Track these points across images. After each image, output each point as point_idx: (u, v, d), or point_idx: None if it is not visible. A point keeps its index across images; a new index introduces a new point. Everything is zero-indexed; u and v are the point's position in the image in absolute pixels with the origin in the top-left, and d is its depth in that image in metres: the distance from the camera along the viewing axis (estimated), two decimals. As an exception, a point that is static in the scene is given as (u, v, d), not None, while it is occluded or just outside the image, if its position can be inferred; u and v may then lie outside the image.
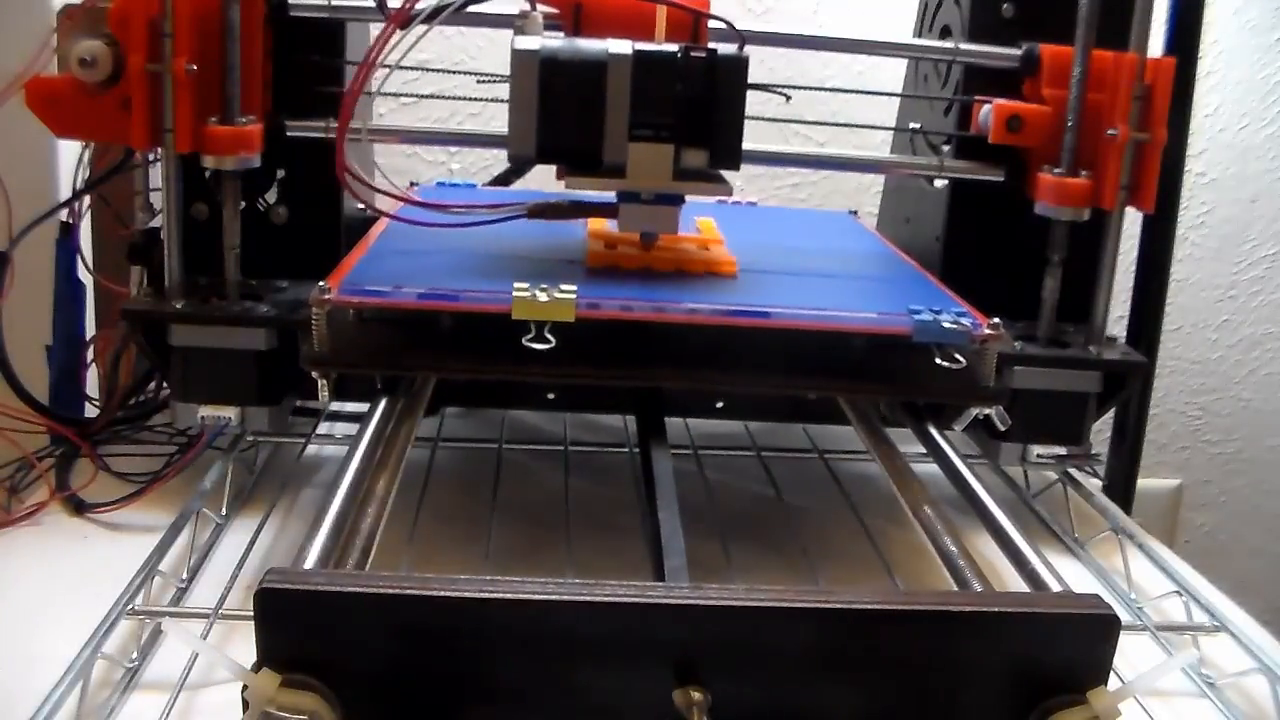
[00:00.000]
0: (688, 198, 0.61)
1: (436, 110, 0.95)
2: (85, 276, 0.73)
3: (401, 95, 0.78)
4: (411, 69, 0.83)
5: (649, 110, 0.56)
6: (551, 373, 0.57)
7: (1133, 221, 0.71)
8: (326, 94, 0.65)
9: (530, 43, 0.56)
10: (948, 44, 0.69)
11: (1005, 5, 0.67)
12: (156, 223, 0.63)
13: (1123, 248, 0.64)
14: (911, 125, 0.77)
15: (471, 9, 0.58)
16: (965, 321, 0.56)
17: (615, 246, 0.64)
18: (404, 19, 0.55)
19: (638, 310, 0.55)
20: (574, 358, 0.55)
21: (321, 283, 0.54)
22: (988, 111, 0.65)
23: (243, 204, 0.62)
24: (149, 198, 0.67)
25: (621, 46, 0.56)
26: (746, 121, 0.71)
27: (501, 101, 0.64)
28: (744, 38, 0.58)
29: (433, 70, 0.74)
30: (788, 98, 0.64)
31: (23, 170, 0.69)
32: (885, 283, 0.66)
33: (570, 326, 0.53)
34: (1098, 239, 0.63)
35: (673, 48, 0.56)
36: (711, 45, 0.57)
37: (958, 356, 0.56)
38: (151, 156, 0.66)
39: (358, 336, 0.57)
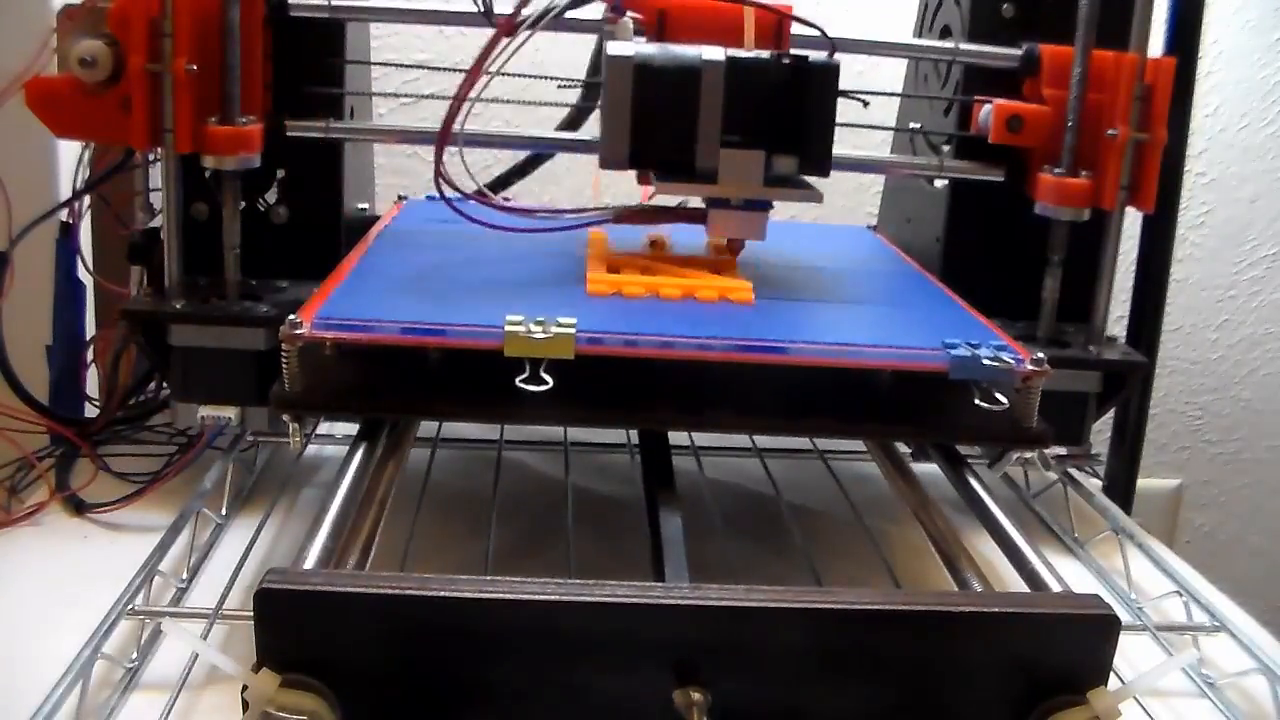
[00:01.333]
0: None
1: (437, 110, 0.95)
2: (85, 276, 0.73)
3: (401, 95, 0.78)
4: (411, 68, 0.83)
5: (741, 116, 0.55)
6: (549, 416, 0.54)
7: (1133, 221, 0.71)
8: (326, 94, 0.65)
9: (624, 49, 0.55)
10: (948, 44, 0.69)
11: (1005, 5, 0.67)
12: (156, 223, 0.63)
13: (1123, 248, 0.64)
14: (911, 125, 0.77)
15: (566, 15, 0.59)
16: (1007, 357, 0.51)
17: (618, 270, 0.60)
18: (510, 27, 0.55)
19: (644, 346, 0.50)
20: (574, 399, 0.50)
21: (292, 315, 0.49)
22: (988, 111, 0.65)
23: (243, 204, 0.62)
24: (149, 198, 0.67)
25: (714, 53, 0.55)
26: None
27: (501, 102, 0.64)
28: (834, 44, 0.58)
29: (432, 70, 0.74)
30: (866, 104, 0.64)
31: (23, 170, 0.69)
32: (914, 310, 0.61)
33: (570, 363, 0.49)
34: (1098, 239, 0.63)
35: (765, 54, 0.56)
36: (800, 51, 0.57)
37: (998, 397, 0.52)
38: (151, 156, 0.66)
39: (334, 374, 0.52)
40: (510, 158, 0.85)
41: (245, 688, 0.36)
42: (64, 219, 0.70)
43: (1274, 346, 1.22)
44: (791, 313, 0.57)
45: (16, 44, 0.64)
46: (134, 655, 0.49)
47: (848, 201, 1.07)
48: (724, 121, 0.55)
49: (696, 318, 0.54)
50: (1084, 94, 0.61)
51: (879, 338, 0.53)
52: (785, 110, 0.56)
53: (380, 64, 0.77)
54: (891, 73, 0.91)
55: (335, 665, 0.37)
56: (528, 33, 0.56)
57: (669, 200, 0.61)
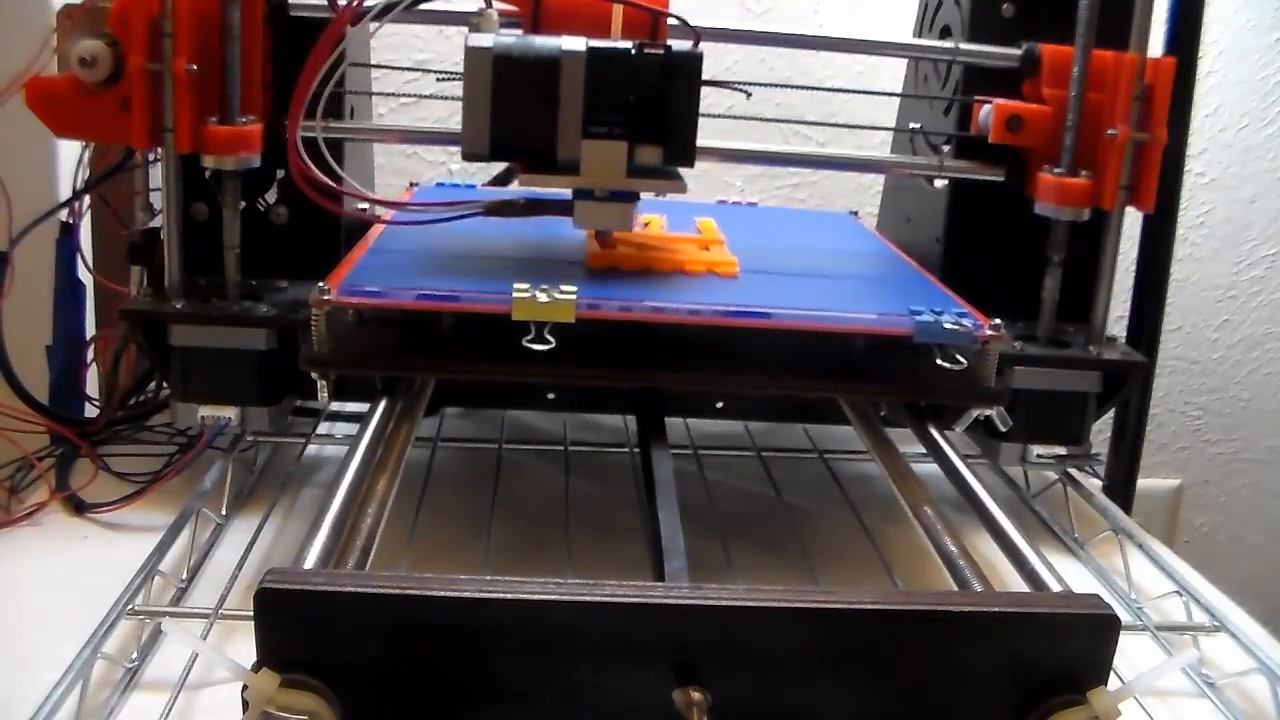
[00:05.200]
0: (688, 199, 0.60)
1: (437, 110, 0.95)
2: (85, 276, 0.73)
3: (401, 95, 0.78)
4: (411, 69, 0.83)
5: (603, 107, 0.56)
6: (551, 374, 0.57)
7: (1133, 221, 0.71)
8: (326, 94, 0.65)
9: (483, 40, 0.56)
10: (948, 44, 0.69)
11: (1005, 5, 0.67)
12: (156, 223, 0.63)
13: (1123, 248, 0.64)
14: (911, 125, 0.77)
15: (425, 7, 0.58)
16: (966, 322, 0.56)
17: (615, 247, 0.64)
18: (354, 15, 0.55)
19: (637, 311, 0.55)
20: (574, 358, 0.54)
21: (321, 283, 0.54)
22: (988, 111, 0.65)
23: (243, 204, 0.62)
24: (149, 198, 0.67)
25: (575, 43, 0.55)
26: (747, 122, 0.71)
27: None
28: (699, 35, 0.58)
29: (432, 71, 0.74)
30: (748, 94, 0.64)
31: (23, 170, 0.69)
32: (886, 283, 0.66)
33: (570, 327, 0.53)
34: (1098, 239, 0.63)
35: (626, 45, 0.56)
36: (668, 42, 0.57)
37: (959, 357, 0.56)
38: (151, 156, 0.66)
39: (357, 337, 0.57)
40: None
41: (245, 688, 0.36)
42: (64, 219, 0.70)
43: (1274, 346, 1.22)
44: (773, 284, 0.62)
45: (16, 44, 0.64)
46: (134, 655, 0.49)
47: (848, 202, 1.07)
48: (586, 112, 0.56)
49: (686, 287, 0.59)
50: (1084, 94, 0.61)
51: (852, 305, 0.58)
52: (648, 101, 0.56)
53: (380, 65, 0.77)
54: (891, 73, 0.91)
55: (335, 665, 0.37)
56: (375, 24, 0.56)
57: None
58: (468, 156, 0.57)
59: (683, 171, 0.59)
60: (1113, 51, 0.61)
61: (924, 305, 0.57)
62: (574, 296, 0.53)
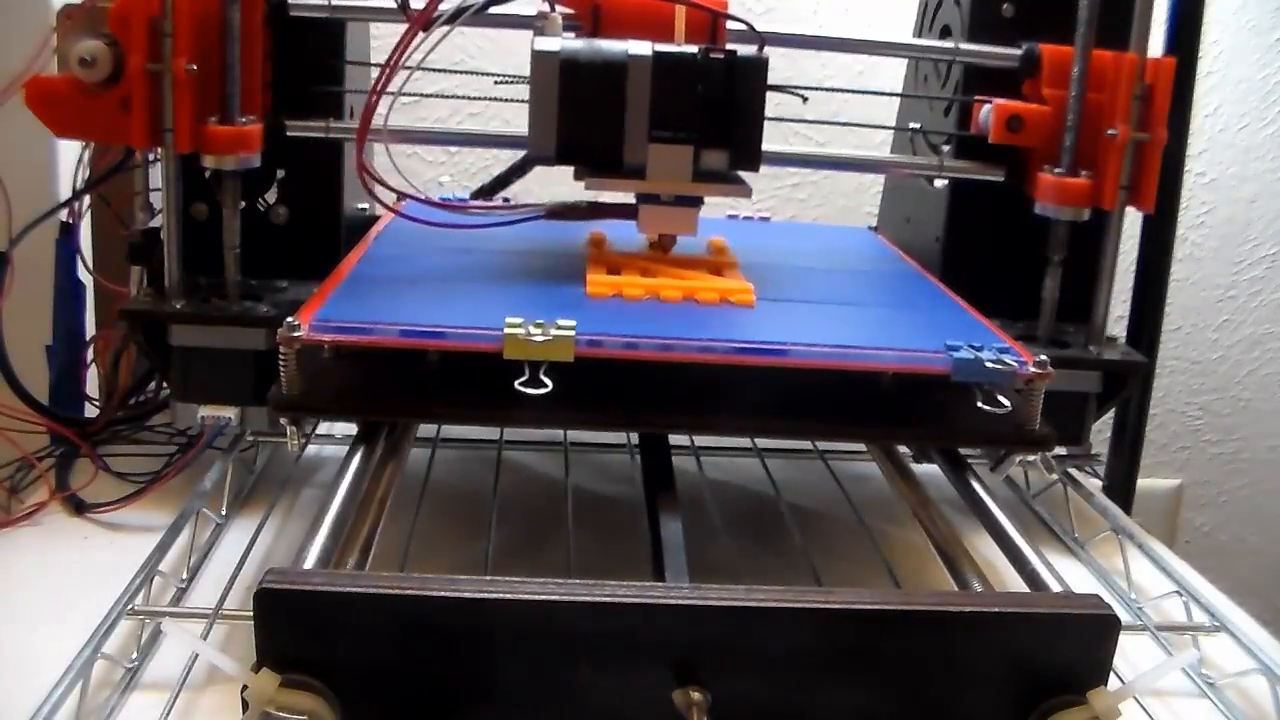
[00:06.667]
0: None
1: (437, 110, 0.95)
2: (85, 276, 0.73)
3: (401, 95, 0.78)
4: (411, 69, 0.83)
5: (669, 111, 0.56)
6: (549, 419, 0.54)
7: (1133, 221, 0.71)
8: (326, 94, 0.65)
9: (550, 44, 0.55)
10: (948, 44, 0.69)
11: (1005, 5, 0.67)
12: (156, 223, 0.63)
13: (1123, 248, 0.64)
14: (911, 125, 0.77)
15: (492, 10, 0.58)
16: (1009, 359, 0.51)
17: (619, 272, 0.60)
18: (426, 21, 0.55)
19: (645, 349, 0.50)
20: (573, 401, 0.50)
21: (290, 318, 0.49)
22: (988, 111, 0.65)
23: (243, 204, 0.62)
24: (149, 198, 0.67)
25: (641, 48, 0.55)
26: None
27: (500, 100, 0.64)
28: (764, 39, 0.58)
29: (432, 70, 0.74)
30: (804, 99, 0.64)
31: (23, 170, 0.69)
32: (916, 312, 0.61)
33: (569, 366, 0.49)
34: (1098, 239, 0.63)
35: (692, 49, 0.56)
36: (731, 46, 0.57)
37: (1001, 399, 0.52)
38: (151, 156, 0.66)
39: (333, 376, 0.52)
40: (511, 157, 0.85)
41: (245, 688, 0.36)
42: (64, 219, 0.70)
43: (1274, 346, 1.22)
44: (793, 315, 0.57)
45: (16, 44, 0.64)
46: (134, 655, 0.49)
47: (848, 202, 1.07)
48: (652, 117, 0.56)
49: (697, 320, 0.54)
50: (1084, 94, 0.61)
51: (881, 340, 0.53)
52: (714, 105, 0.56)
53: (380, 65, 0.77)
54: (891, 73, 0.91)
55: (335, 665, 0.37)
56: (445, 28, 0.55)
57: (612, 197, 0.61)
58: (534, 161, 0.57)
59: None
60: (1113, 51, 0.61)
61: (960, 339, 0.52)
62: (572, 333, 0.49)
